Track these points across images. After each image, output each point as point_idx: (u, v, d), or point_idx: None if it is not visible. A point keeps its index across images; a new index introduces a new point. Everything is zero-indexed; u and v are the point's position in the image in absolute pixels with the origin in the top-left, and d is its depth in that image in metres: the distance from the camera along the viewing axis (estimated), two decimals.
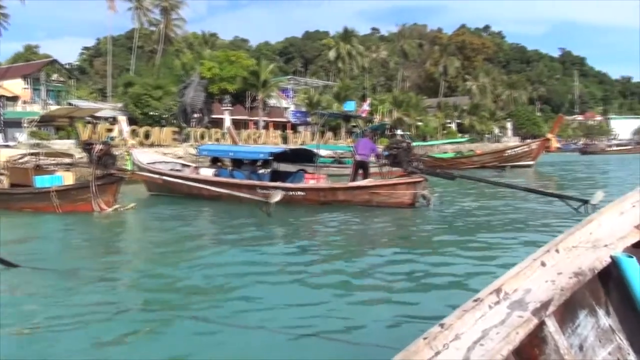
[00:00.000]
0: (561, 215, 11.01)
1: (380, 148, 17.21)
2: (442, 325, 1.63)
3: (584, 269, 1.96)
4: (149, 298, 5.92)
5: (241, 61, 52.14)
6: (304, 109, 58.66)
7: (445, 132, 72.19)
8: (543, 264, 2.01)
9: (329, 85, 68.16)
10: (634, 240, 2.22)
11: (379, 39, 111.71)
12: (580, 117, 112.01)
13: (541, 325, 1.77)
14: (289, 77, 71.60)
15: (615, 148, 74.91)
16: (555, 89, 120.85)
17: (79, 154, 18.61)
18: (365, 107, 51.68)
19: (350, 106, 29.54)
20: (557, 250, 2.10)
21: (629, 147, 75.01)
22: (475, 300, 1.78)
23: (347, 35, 78.05)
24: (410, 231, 10.62)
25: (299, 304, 5.49)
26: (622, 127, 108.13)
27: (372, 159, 15.40)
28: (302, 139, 49.19)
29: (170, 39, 61.94)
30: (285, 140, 47.53)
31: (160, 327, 4.90)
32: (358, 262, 7.46)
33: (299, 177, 14.87)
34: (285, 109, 62.15)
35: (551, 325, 1.81)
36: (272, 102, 58.03)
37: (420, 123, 68.58)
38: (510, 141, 75.91)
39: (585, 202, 10.75)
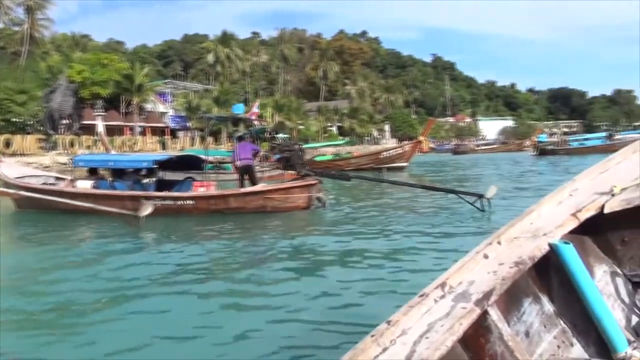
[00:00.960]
0: (457, 211, 11.21)
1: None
2: (388, 322, 1.65)
3: (524, 258, 2.00)
4: None
5: (114, 64, 49.67)
6: (183, 114, 57.21)
7: (326, 135, 73.39)
8: (486, 256, 2.05)
9: (209, 89, 66.97)
10: (571, 227, 2.27)
11: (259, 43, 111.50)
12: (451, 119, 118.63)
13: (485, 314, 1.80)
14: (166, 80, 69.41)
15: (483, 148, 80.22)
16: (428, 92, 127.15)
17: None
18: (255, 109, 50.98)
19: (239, 109, 28.97)
20: (499, 242, 2.15)
21: (495, 146, 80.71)
22: (421, 296, 1.80)
23: (225, 38, 77.14)
24: (307, 236, 9.95)
25: (183, 329, 4.70)
26: (489, 128, 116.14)
27: (256, 161, 15.18)
28: (181, 145, 47.94)
29: (36, 40, 57.61)
30: (163, 146, 46.00)
31: None
32: (250, 277, 6.70)
33: (187, 186, 14.04)
34: (164, 113, 60.21)
35: (494, 314, 1.84)
36: (149, 106, 55.83)
37: (301, 127, 69.22)
38: (389, 143, 78.70)
39: (481, 196, 10.83)
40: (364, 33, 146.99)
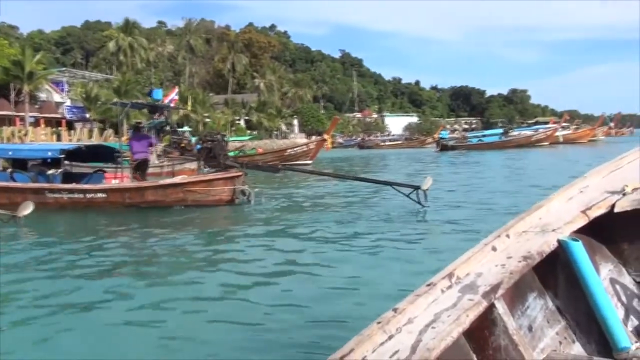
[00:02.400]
0: (390, 202, 11.25)
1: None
2: (395, 310, 1.64)
3: (532, 253, 1.98)
4: None
5: (3, 49, 46.48)
6: (81, 104, 54.36)
7: (233, 128, 72.46)
8: (494, 249, 2.03)
9: (110, 79, 64.16)
10: (581, 224, 2.25)
11: (165, 33, 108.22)
12: (359, 115, 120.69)
13: (491, 307, 1.79)
14: (63, 69, 65.73)
15: (388, 143, 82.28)
16: (337, 87, 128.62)
17: None
18: (174, 96, 48.89)
19: (157, 95, 27.50)
20: (507, 235, 2.14)
21: (399, 142, 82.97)
22: (428, 285, 1.78)
23: (128, 27, 74.13)
24: (228, 234, 9.57)
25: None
26: (395, 123, 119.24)
27: (152, 156, 14.46)
28: (78, 137, 45.56)
29: None
30: (59, 137, 43.57)
31: None
32: (160, 281, 6.20)
33: (98, 178, 13.13)
34: (60, 104, 56.95)
35: (500, 308, 1.84)
36: (43, 96, 52.67)
37: (208, 120, 67.96)
38: (297, 137, 78.91)
39: (417, 188, 10.63)
40: (273, 27, 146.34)
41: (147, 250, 8.15)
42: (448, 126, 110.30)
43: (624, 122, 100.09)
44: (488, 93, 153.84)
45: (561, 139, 48.71)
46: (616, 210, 2.31)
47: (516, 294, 2.00)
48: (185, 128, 53.73)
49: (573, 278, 2.06)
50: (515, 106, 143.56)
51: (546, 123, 66.00)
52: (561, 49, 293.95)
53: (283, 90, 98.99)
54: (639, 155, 3.01)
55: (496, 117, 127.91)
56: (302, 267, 6.60)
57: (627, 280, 2.38)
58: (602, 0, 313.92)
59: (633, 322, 2.23)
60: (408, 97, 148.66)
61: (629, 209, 2.29)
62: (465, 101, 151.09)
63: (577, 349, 2.07)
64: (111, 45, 72.79)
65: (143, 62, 76.08)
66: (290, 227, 9.39)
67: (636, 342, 2.03)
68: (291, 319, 4.71)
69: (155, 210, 11.46)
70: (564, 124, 54.18)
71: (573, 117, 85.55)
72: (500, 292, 1.81)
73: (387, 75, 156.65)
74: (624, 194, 2.39)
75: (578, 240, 2.06)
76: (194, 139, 45.84)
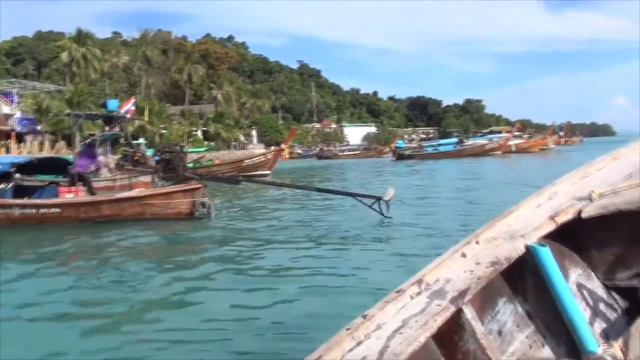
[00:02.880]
0: (352, 214, 11.18)
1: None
2: (364, 317, 1.65)
3: (500, 259, 2.02)
4: None
5: None
6: (32, 116, 52.92)
7: (191, 139, 71.73)
8: (463, 255, 2.06)
9: (63, 91, 62.69)
10: (548, 230, 2.29)
11: (120, 44, 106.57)
12: (318, 125, 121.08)
13: (459, 312, 1.81)
14: (13, 80, 63.92)
15: (347, 153, 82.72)
16: (295, 98, 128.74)
17: None
18: (130, 106, 47.57)
19: (113, 105, 26.63)
20: (477, 242, 2.16)
21: (358, 152, 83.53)
22: (397, 292, 1.80)
23: (81, 37, 72.68)
24: (187, 249, 9.25)
25: None
26: (354, 133, 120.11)
27: (93, 168, 14.13)
28: (28, 149, 44.38)
29: None
30: (7, 150, 42.37)
31: None
32: (114, 303, 5.84)
33: (51, 192, 12.68)
34: (10, 116, 55.33)
35: (469, 313, 1.86)
36: None
37: (164, 131, 67.08)
38: (256, 148, 78.47)
39: (379, 198, 10.42)
40: (230, 37, 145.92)
41: (96, 268, 7.85)
42: (406, 136, 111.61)
43: (574, 131, 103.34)
44: (444, 103, 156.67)
45: (514, 148, 49.83)
46: (583, 216, 2.35)
47: (486, 300, 2.03)
48: (141, 140, 52.93)
49: (542, 283, 2.09)
50: (471, 116, 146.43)
51: (500, 132, 67.52)
52: (513, 61, 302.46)
53: (241, 100, 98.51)
54: (606, 163, 3.07)
55: (452, 126, 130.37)
56: (260, 280, 6.56)
57: (595, 284, 2.43)
58: (551, 15, 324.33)
59: (601, 325, 2.27)
60: (366, 107, 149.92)
61: (594, 214, 2.33)
62: (422, 111, 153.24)
63: (547, 352, 2.10)
64: (64, 56, 71.11)
65: (97, 73, 74.60)
66: (251, 240, 9.29)
67: (603, 344, 2.05)
68: (251, 329, 4.72)
69: (112, 224, 11.15)
70: (516, 133, 55.53)
71: (526, 126, 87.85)
72: (468, 297, 1.83)
73: (346, 86, 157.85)
74: (591, 200, 2.42)
75: (545, 246, 2.09)
76: (150, 151, 45.23)
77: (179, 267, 7.66)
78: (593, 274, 2.45)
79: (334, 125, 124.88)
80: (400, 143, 58.53)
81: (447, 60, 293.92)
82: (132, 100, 51.80)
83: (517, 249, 2.10)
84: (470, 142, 57.88)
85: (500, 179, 22.43)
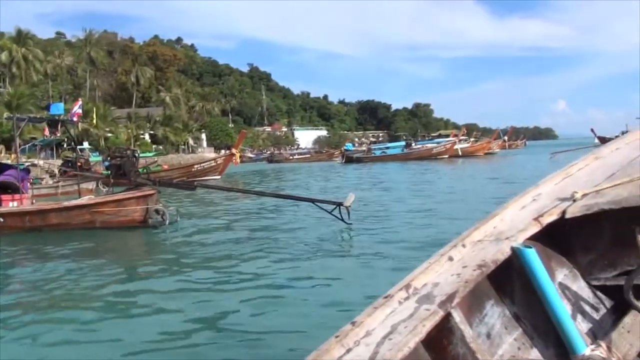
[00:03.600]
0: (310, 220, 10.97)
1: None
2: (353, 323, 1.64)
3: (487, 261, 2.00)
4: None
5: None
6: None
7: (138, 143, 70.30)
8: (450, 259, 2.06)
9: (2, 93, 60.46)
10: (534, 231, 2.26)
11: (64, 44, 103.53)
12: (269, 129, 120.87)
13: (448, 316, 1.80)
14: None
15: (297, 157, 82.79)
16: (246, 101, 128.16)
17: None
18: (77, 109, 45.71)
19: (58, 109, 25.30)
20: (463, 245, 2.16)
21: (308, 155, 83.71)
22: (385, 297, 1.79)
23: (21, 37, 70.33)
24: (139, 260, 8.81)
25: None
26: (304, 137, 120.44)
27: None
28: None
29: None
30: None
31: None
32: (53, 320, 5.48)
33: None
34: None
35: (457, 316, 1.85)
36: None
37: (110, 134, 65.52)
38: (205, 152, 77.73)
39: (340, 204, 10.12)
40: (179, 39, 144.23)
41: (39, 281, 7.33)
42: (356, 139, 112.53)
43: (518, 135, 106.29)
44: (394, 107, 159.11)
45: (460, 152, 50.80)
46: (567, 216, 2.34)
47: (473, 303, 2.02)
48: (85, 145, 51.46)
49: (528, 285, 2.07)
50: (420, 120, 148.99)
51: (448, 136, 68.80)
52: (461, 66, 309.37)
53: (190, 104, 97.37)
54: (588, 162, 3.09)
55: (402, 130, 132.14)
56: (213, 290, 6.32)
57: (582, 284, 2.42)
58: (496, 22, 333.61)
59: (588, 325, 2.26)
60: (317, 111, 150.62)
61: (579, 214, 2.32)
62: (372, 115, 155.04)
63: (535, 354, 2.09)
64: (3, 56, 68.54)
65: (40, 75, 72.35)
66: (206, 248, 8.96)
67: (591, 344, 2.04)
68: (201, 339, 4.61)
69: (59, 234, 10.64)
70: (462, 137, 56.77)
71: (472, 130, 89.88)
72: (456, 300, 1.82)
73: (296, 90, 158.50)
74: (574, 201, 2.42)
75: (531, 247, 2.06)
76: (95, 157, 43.99)
77: (130, 277, 7.35)
78: (579, 274, 2.45)
79: (284, 129, 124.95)
80: (348, 146, 58.95)
81: (396, 64, 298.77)
82: (80, 103, 50.23)
83: (503, 251, 2.09)
84: (418, 145, 58.83)
85: (447, 182, 22.83)
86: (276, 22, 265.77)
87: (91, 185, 23.90)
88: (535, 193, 2.68)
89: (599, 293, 2.42)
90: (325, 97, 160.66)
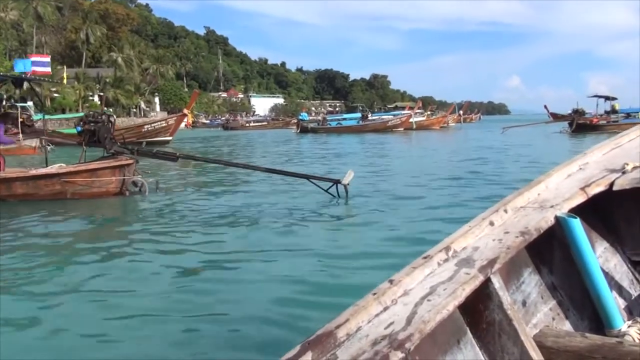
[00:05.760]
0: (300, 197, 10.23)
1: None
2: (391, 282, 1.64)
3: (529, 229, 1.97)
4: None
5: None
6: None
7: (87, 105, 67.92)
8: (491, 223, 2.03)
9: None
10: (579, 201, 2.23)
11: None
12: (224, 94, 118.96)
13: (487, 282, 1.78)
14: None
15: (253, 124, 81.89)
16: (202, 66, 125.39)
17: None
18: (44, 67, 42.36)
19: (23, 66, 23.28)
20: (505, 210, 2.12)
21: (264, 122, 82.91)
22: (424, 258, 1.79)
23: None
24: (115, 234, 8.04)
25: None
26: (261, 104, 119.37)
27: None
28: None
29: None
30: None
31: None
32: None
33: None
34: None
35: (496, 282, 1.82)
36: None
37: (57, 95, 63.05)
38: (158, 116, 75.91)
39: (337, 182, 9.56)
40: None
41: (20, 258, 6.46)
42: (313, 108, 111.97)
43: (472, 109, 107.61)
44: (351, 77, 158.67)
45: (414, 126, 50.86)
46: (615, 188, 2.30)
47: (512, 269, 2.00)
48: (30, 103, 49.31)
49: (569, 255, 2.07)
50: (377, 91, 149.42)
51: (404, 108, 68.86)
52: (418, 38, 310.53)
53: (143, 66, 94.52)
54: (639, 133, 3.00)
55: (359, 101, 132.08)
56: (197, 269, 5.81)
57: (622, 259, 2.41)
58: None
59: (625, 300, 2.26)
60: (274, 78, 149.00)
61: (627, 187, 2.28)
62: (330, 84, 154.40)
63: (570, 325, 2.09)
64: None
65: None
66: (188, 223, 8.21)
67: (627, 320, 2.03)
68: (184, 320, 4.22)
69: (25, 205, 9.76)
70: (417, 111, 56.83)
71: (428, 103, 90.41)
72: (497, 266, 1.80)
73: (254, 55, 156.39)
74: (624, 173, 2.38)
75: (576, 217, 2.03)
76: (38, 116, 42.22)
77: (105, 255, 6.57)
78: (619, 248, 2.44)
79: (241, 95, 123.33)
80: (303, 115, 57.84)
81: (355, 34, 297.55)
82: (47, 58, 46.66)
83: (547, 220, 2.05)
84: (374, 117, 58.59)
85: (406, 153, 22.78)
86: None
87: (34, 142, 22.77)
88: (582, 162, 2.64)
89: (638, 268, 2.41)
90: (284, 64, 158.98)
